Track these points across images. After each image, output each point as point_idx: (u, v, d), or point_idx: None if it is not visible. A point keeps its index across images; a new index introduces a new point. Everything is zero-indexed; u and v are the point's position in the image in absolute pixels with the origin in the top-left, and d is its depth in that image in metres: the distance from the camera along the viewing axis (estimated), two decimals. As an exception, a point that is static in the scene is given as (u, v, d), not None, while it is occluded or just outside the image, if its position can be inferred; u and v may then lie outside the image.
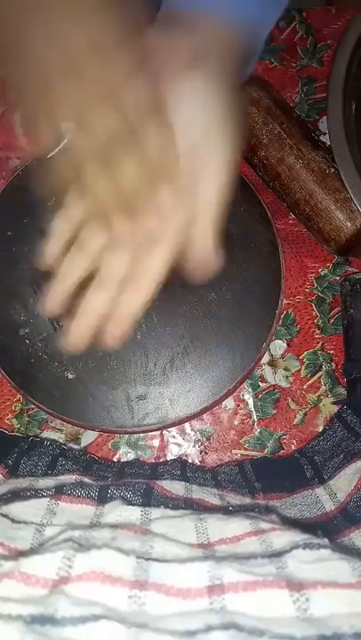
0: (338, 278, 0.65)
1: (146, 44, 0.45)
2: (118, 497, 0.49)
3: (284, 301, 0.64)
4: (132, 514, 0.45)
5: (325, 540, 0.39)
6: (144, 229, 0.47)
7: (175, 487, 0.53)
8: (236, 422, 0.63)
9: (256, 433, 0.63)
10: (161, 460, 0.62)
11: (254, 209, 0.63)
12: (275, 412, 0.63)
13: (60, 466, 0.58)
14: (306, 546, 0.37)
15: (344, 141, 0.59)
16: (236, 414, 0.63)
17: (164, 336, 0.61)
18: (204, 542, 0.41)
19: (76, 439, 0.62)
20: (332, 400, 0.63)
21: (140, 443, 0.63)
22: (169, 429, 0.63)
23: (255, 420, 0.63)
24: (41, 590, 0.32)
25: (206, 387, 0.60)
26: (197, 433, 0.63)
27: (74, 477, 0.52)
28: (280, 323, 0.64)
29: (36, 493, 0.49)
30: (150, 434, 0.63)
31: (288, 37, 0.70)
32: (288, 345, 0.64)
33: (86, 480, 0.52)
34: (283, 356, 0.64)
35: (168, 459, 0.62)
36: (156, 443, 0.63)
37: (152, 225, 0.47)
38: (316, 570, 0.34)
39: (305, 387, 0.64)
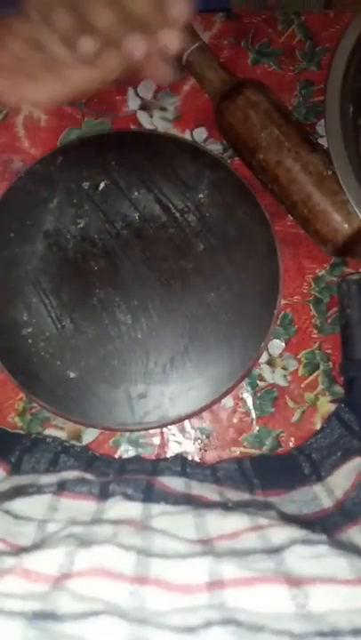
0: (335, 279, 0.66)
1: None
2: (119, 493, 0.49)
3: (282, 302, 0.65)
4: (133, 510, 0.45)
5: (323, 537, 0.39)
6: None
7: (175, 483, 0.53)
8: (235, 420, 0.64)
9: (255, 431, 0.63)
10: (161, 457, 0.63)
11: (253, 211, 0.64)
12: (273, 410, 0.64)
13: (62, 463, 0.58)
14: (304, 542, 0.37)
15: (342, 144, 0.59)
16: (235, 412, 0.64)
17: (164, 335, 0.62)
18: (203, 538, 0.41)
19: (78, 437, 0.63)
20: (329, 398, 0.64)
21: (140, 440, 0.63)
22: (169, 427, 0.63)
23: (254, 418, 0.64)
24: (43, 586, 0.33)
25: (206, 385, 0.61)
26: (197, 431, 0.63)
27: (75, 474, 0.53)
28: (278, 322, 0.65)
29: (38, 490, 0.50)
30: (151, 432, 0.63)
31: (286, 41, 0.71)
32: (286, 344, 0.65)
33: (88, 476, 0.53)
34: (281, 356, 0.65)
35: (168, 456, 0.63)
36: (157, 440, 0.64)
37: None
38: (315, 566, 0.35)
39: (303, 385, 0.64)
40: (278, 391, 0.64)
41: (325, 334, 0.65)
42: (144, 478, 0.53)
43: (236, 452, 0.63)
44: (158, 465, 0.59)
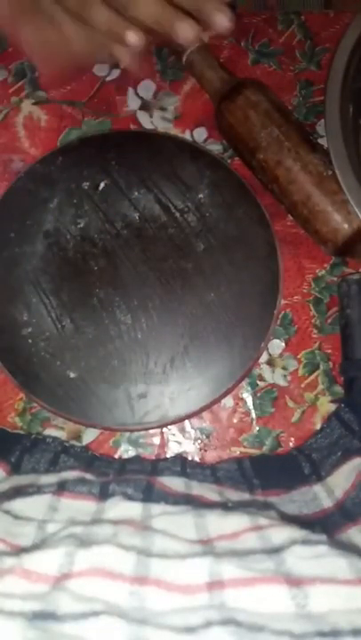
0: (335, 279, 0.66)
1: None
2: (119, 493, 0.49)
3: (282, 302, 0.65)
4: (133, 510, 0.45)
5: (323, 537, 0.39)
6: None
7: (175, 483, 0.53)
8: (234, 420, 0.64)
9: (255, 431, 0.63)
10: (161, 458, 0.63)
11: (253, 211, 0.64)
12: (273, 410, 0.64)
13: (62, 463, 0.58)
14: (304, 542, 0.37)
15: (342, 144, 0.59)
16: (235, 412, 0.64)
17: (164, 335, 0.62)
18: (203, 538, 0.41)
19: (78, 437, 0.63)
20: (329, 398, 0.64)
21: (140, 440, 0.63)
22: (169, 427, 0.64)
23: (254, 418, 0.64)
24: (43, 586, 0.33)
25: (206, 385, 0.61)
26: (197, 431, 0.64)
27: (75, 474, 0.53)
28: (278, 322, 0.65)
29: (38, 490, 0.50)
30: (151, 432, 0.63)
31: (286, 41, 0.71)
32: (286, 344, 0.65)
33: (88, 476, 0.53)
34: (281, 356, 0.65)
35: (168, 456, 0.63)
36: (157, 440, 0.64)
37: None
38: (315, 566, 0.35)
39: (303, 385, 0.64)
40: (278, 391, 0.64)
41: (325, 334, 0.65)
42: (144, 478, 0.53)
43: (236, 451, 0.63)
44: (158, 465, 0.59)
